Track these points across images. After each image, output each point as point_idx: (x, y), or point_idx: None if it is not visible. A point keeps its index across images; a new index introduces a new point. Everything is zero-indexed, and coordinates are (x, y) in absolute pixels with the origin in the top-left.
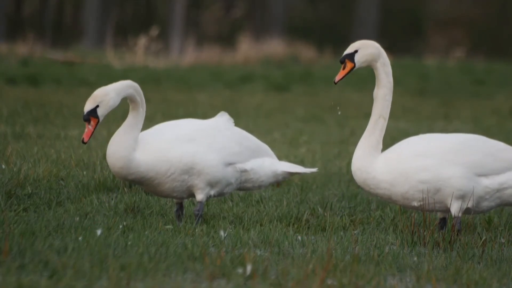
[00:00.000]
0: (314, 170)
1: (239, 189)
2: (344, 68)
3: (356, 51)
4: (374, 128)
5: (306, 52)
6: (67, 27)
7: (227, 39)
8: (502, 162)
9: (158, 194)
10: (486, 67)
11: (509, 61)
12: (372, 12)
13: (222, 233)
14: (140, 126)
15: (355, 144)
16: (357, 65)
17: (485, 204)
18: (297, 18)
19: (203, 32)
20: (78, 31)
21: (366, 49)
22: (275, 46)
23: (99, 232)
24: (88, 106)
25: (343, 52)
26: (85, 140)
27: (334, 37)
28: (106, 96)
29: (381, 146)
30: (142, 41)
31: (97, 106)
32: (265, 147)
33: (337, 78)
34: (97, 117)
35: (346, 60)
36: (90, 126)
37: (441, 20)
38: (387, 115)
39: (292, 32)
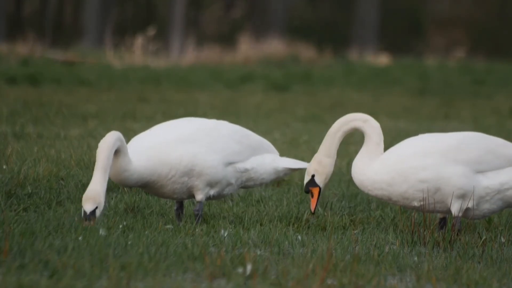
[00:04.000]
0: None
1: (241, 187)
2: (313, 196)
3: (313, 176)
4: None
5: (306, 52)
6: (67, 27)
7: (227, 39)
8: (502, 158)
9: (160, 196)
10: (486, 67)
11: (509, 61)
12: (372, 12)
13: (223, 232)
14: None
15: (355, 144)
16: (321, 186)
17: (486, 207)
18: (297, 18)
19: (203, 32)
20: (78, 31)
21: (320, 171)
22: (275, 46)
23: (101, 231)
24: (88, 207)
25: (343, 52)
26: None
27: (334, 37)
28: (99, 197)
29: (381, 149)
30: (139, 41)
31: (97, 207)
32: (266, 143)
33: (312, 207)
34: (95, 217)
35: (310, 188)
36: (91, 223)
37: (441, 20)
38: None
39: (292, 32)
